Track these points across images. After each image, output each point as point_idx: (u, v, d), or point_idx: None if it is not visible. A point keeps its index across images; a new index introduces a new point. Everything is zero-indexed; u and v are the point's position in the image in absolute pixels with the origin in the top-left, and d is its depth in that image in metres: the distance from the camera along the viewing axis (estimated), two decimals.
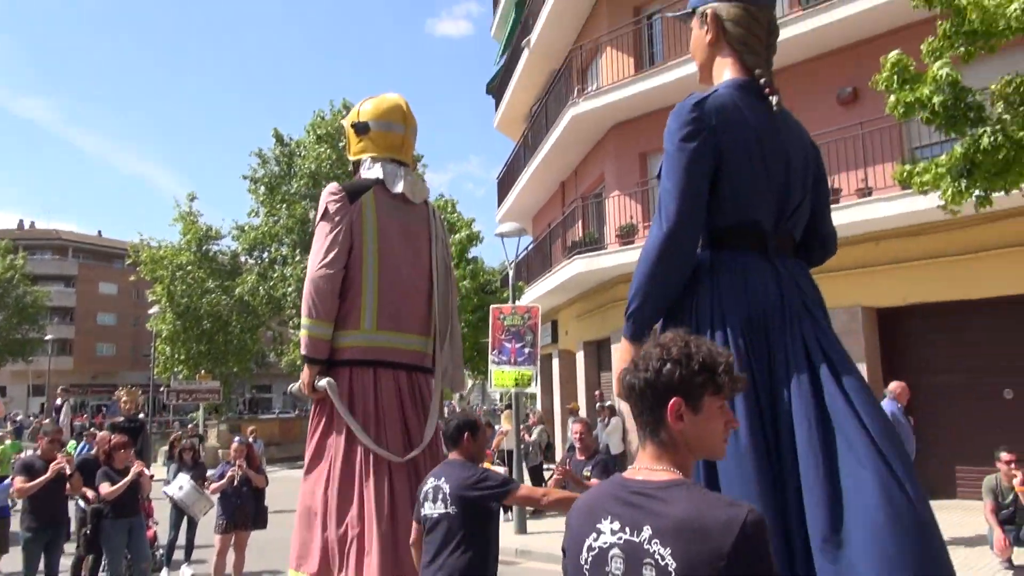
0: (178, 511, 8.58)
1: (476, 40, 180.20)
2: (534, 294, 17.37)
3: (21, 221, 64.41)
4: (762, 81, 2.40)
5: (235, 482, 7.73)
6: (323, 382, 3.74)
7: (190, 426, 21.43)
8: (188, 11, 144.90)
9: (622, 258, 13.51)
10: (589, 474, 5.84)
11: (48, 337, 42.09)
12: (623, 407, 14.28)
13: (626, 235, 13.94)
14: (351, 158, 4.27)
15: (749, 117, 2.31)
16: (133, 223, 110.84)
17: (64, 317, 56.82)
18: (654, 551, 1.54)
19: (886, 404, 8.17)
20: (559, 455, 15.97)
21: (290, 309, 27.90)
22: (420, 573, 3.67)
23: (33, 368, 45.54)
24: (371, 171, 4.06)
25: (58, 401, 11.89)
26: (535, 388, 10.75)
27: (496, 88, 25.09)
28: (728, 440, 1.72)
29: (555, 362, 19.84)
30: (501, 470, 10.58)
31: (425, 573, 3.66)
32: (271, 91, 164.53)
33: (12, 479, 6.86)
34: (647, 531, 1.56)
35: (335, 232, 3.83)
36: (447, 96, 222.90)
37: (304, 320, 3.81)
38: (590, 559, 1.64)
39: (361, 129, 4.15)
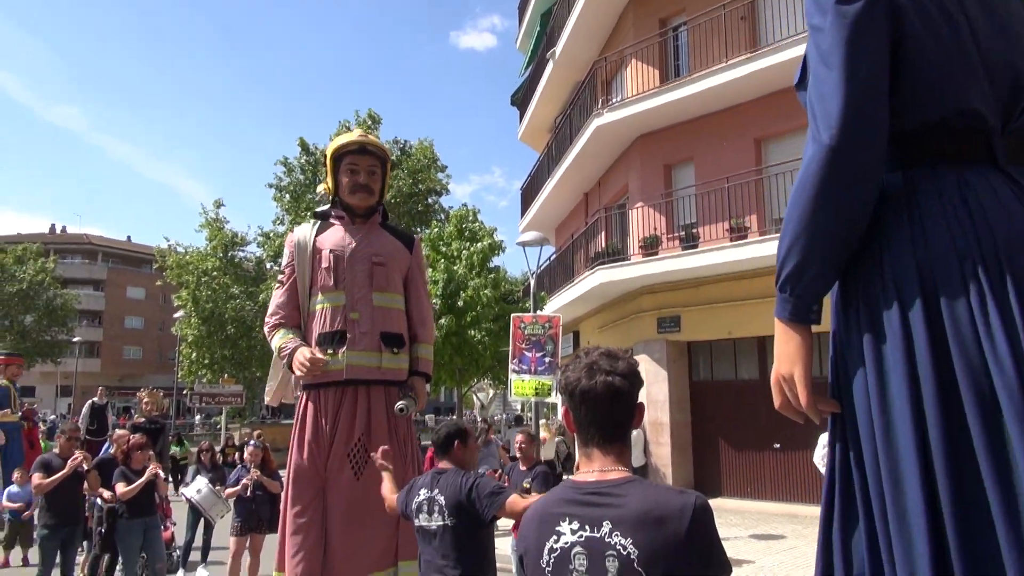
0: (195, 513, 8.62)
1: (500, 52, 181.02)
2: (556, 304, 17.30)
3: (53, 225, 65.64)
4: None
5: (248, 491, 7.75)
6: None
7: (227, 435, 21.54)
8: (217, 22, 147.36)
9: (645, 269, 13.41)
10: (529, 485, 5.98)
11: (76, 339, 42.71)
12: (645, 418, 14.16)
13: (649, 247, 13.84)
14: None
15: None
16: (160, 229, 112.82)
17: (93, 320, 57.69)
18: (615, 543, 1.65)
19: None
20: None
21: None
22: None
23: (61, 370, 46.24)
24: None
25: (96, 400, 12.00)
26: (555, 398, 10.66)
27: (521, 99, 25.14)
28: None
29: None
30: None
31: None
32: (297, 101, 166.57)
33: (31, 476, 6.92)
34: (607, 525, 1.67)
35: None
36: (471, 108, 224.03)
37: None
38: (552, 560, 1.72)
39: None
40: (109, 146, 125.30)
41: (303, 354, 4.60)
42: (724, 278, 12.96)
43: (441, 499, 3.62)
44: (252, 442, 8.51)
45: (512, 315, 10.99)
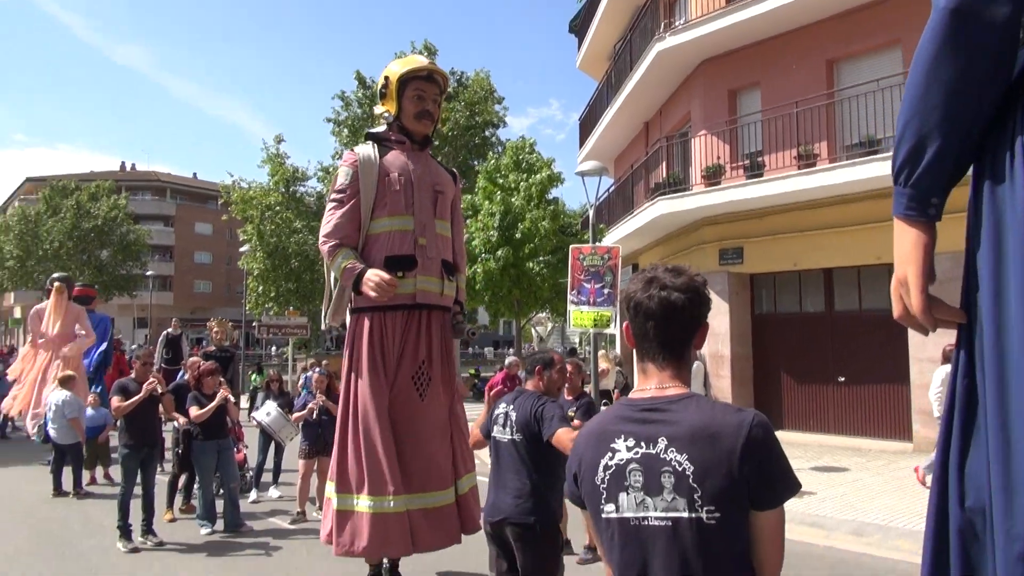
0: (266, 436, 8.97)
1: None
2: (615, 237, 17.07)
3: (123, 163, 67.75)
4: None
5: (315, 415, 8.00)
6: None
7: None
8: None
9: (707, 200, 13.06)
10: (573, 414, 6.07)
11: (149, 273, 44.36)
12: (705, 351, 14.02)
13: (712, 176, 13.44)
14: None
15: None
16: (224, 166, 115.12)
17: (164, 255, 59.74)
18: (671, 459, 1.65)
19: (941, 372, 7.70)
20: None
21: None
22: (489, 489, 3.95)
23: (137, 303, 48.28)
24: None
25: (171, 331, 12.50)
26: (614, 329, 10.61)
27: (579, 26, 24.35)
28: None
29: None
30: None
31: (492, 492, 3.91)
32: (354, 33, 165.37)
33: (110, 399, 7.27)
34: (662, 442, 1.67)
35: None
36: (528, 38, 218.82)
37: None
38: (607, 477, 1.73)
39: None
40: (173, 84, 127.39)
41: (378, 275, 4.58)
42: (790, 208, 12.54)
43: (514, 415, 3.87)
44: (318, 369, 8.76)
45: (571, 246, 10.87)
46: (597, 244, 11.24)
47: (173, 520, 7.96)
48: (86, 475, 9.66)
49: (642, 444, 1.69)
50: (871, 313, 12.41)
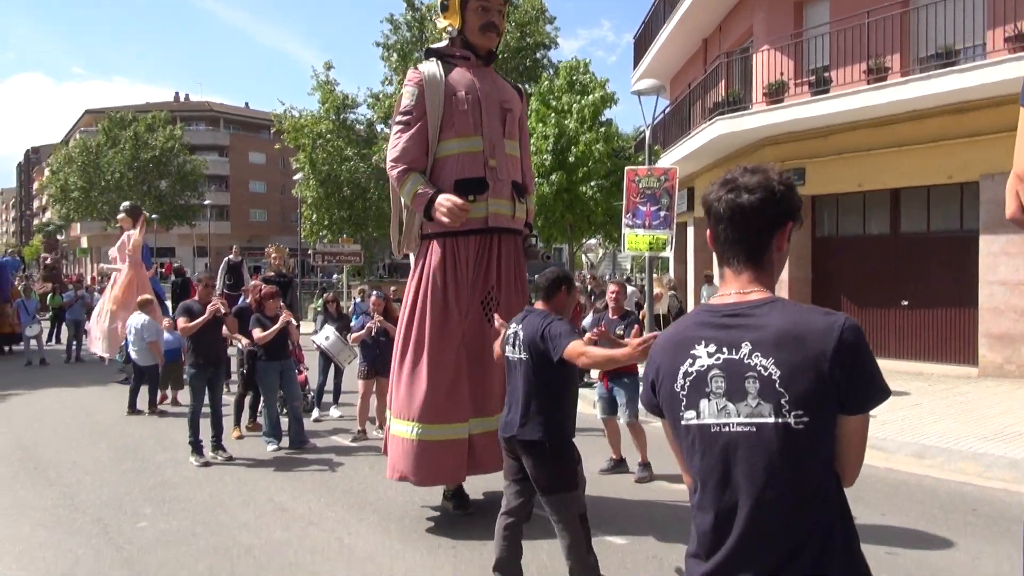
0: (325, 358, 9.17)
1: None
2: (670, 160, 16.63)
3: (176, 94, 68.37)
4: None
5: (373, 332, 8.11)
6: None
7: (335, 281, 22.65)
8: None
9: (769, 118, 12.55)
10: (622, 332, 6.13)
11: (207, 202, 45.26)
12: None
13: (774, 94, 12.86)
14: None
15: None
16: (275, 94, 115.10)
17: (220, 185, 60.77)
18: (756, 363, 1.57)
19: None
20: None
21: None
22: (504, 407, 3.99)
23: (196, 232, 49.48)
24: None
25: (232, 257, 12.79)
26: (669, 253, 10.43)
27: None
28: None
29: (690, 230, 19.24)
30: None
31: (505, 409, 3.98)
32: None
33: (175, 321, 7.49)
34: (746, 347, 1.59)
35: None
36: None
37: None
38: (687, 384, 1.67)
39: None
40: (220, 11, 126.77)
41: (449, 200, 4.46)
42: (857, 126, 11.97)
43: (522, 335, 3.83)
44: (376, 292, 8.85)
45: (627, 168, 10.61)
46: (653, 166, 10.94)
47: (241, 437, 8.28)
48: (159, 394, 10.06)
49: (724, 350, 1.62)
50: (940, 235, 11.93)
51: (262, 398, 8.07)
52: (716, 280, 14.15)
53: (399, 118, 4.79)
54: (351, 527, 5.28)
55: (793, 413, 1.53)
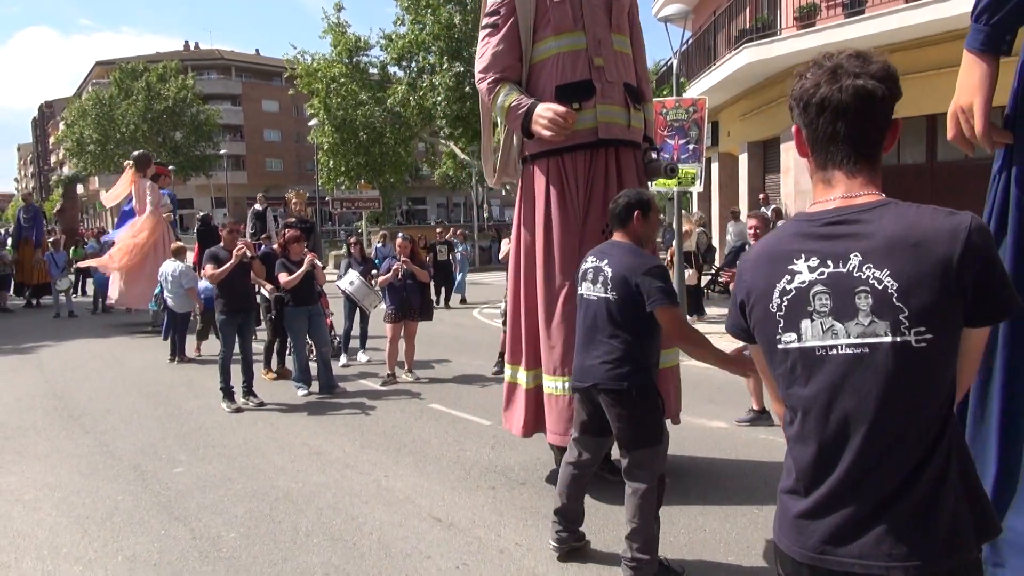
0: (351, 303, 9.07)
1: None
2: (693, 93, 16.14)
3: (187, 42, 67.45)
4: None
5: (400, 275, 7.97)
6: None
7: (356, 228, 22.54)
8: None
9: (799, 44, 12.03)
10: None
11: (223, 152, 45.04)
12: (790, 204, 13.41)
13: (806, 17, 12.32)
14: None
15: None
16: (285, 41, 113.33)
17: (235, 134, 60.38)
18: (867, 276, 1.40)
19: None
20: (719, 260, 15.48)
21: (440, 119, 27.94)
22: (576, 351, 3.52)
23: (213, 183, 49.41)
24: None
25: (257, 206, 12.65)
26: (699, 187, 10.13)
27: None
28: None
29: (715, 166, 18.82)
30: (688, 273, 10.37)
31: (580, 354, 3.51)
32: None
33: (203, 268, 7.39)
34: (855, 258, 1.41)
35: None
36: None
37: None
38: (785, 303, 1.49)
39: None
40: None
41: (550, 110, 3.73)
42: (894, 48, 11.41)
43: (609, 271, 3.35)
44: (401, 234, 8.68)
45: (653, 100, 10.24)
46: (681, 97, 10.56)
47: (275, 378, 8.28)
48: (193, 347, 10.05)
49: (828, 263, 1.44)
50: (979, 163, 11.47)
51: (290, 343, 8.01)
52: (743, 216, 13.85)
53: (485, 21, 4.07)
54: (388, 469, 5.23)
55: (914, 330, 1.35)
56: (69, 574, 3.76)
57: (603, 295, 3.34)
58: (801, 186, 13.14)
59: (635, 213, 3.42)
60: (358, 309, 9.13)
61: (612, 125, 3.95)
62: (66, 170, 46.48)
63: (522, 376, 4.54)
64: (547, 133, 3.72)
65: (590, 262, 3.48)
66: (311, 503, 4.61)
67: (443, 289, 15.45)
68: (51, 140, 73.29)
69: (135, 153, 12.92)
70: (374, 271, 9.12)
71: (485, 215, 49.84)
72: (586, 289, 3.46)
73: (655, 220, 3.55)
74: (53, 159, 76.19)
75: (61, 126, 51.74)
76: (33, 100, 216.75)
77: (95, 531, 4.28)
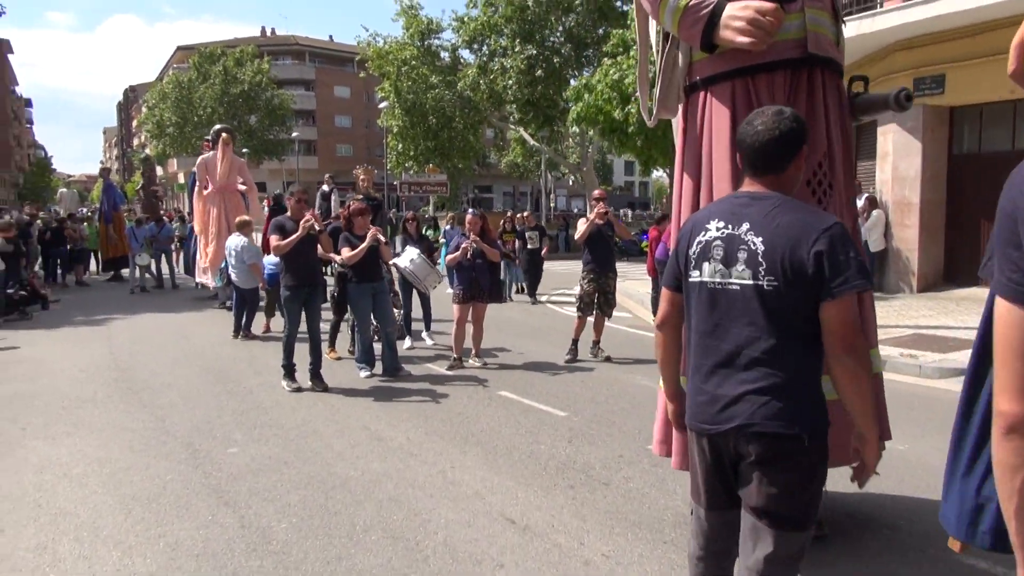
0: (407, 284, 8.58)
1: None
2: None
3: (263, 28, 68.70)
4: None
5: (469, 254, 7.50)
6: None
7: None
8: None
9: (902, 17, 10.99)
10: None
11: (295, 135, 45.61)
12: (888, 198, 12.43)
13: None
14: None
15: None
16: (357, 30, 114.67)
17: (307, 119, 61.19)
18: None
19: None
20: None
21: (511, 103, 27.48)
22: (693, 373, 2.23)
23: (285, 167, 50.14)
24: None
25: (325, 187, 12.40)
26: None
27: None
28: None
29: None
30: None
31: (705, 377, 2.17)
32: None
33: (266, 239, 7.03)
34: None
35: None
36: None
37: None
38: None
39: None
40: None
41: (750, 7, 2.68)
42: (1013, 21, 10.37)
43: (756, 242, 2.06)
44: (471, 210, 8.19)
45: None
46: None
47: (337, 358, 7.98)
48: (262, 323, 9.85)
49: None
50: None
51: (353, 322, 7.63)
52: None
53: None
54: (454, 460, 4.77)
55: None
56: (106, 560, 3.41)
57: (748, 282, 2.07)
58: (900, 172, 12.14)
59: (799, 149, 2.16)
60: (414, 290, 8.61)
61: (821, 37, 2.90)
62: (147, 152, 47.82)
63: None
64: (743, 39, 2.69)
65: (712, 230, 2.17)
66: (370, 494, 4.18)
67: (529, 280, 13.81)
68: (134, 123, 75.83)
69: (224, 126, 12.78)
70: (436, 247, 8.64)
71: (552, 204, 49.22)
72: (708, 272, 2.16)
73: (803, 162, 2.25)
74: (136, 142, 78.81)
75: (143, 109, 53.35)
76: (119, 85, 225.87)
77: (139, 512, 3.95)
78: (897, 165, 12.22)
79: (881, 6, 11.86)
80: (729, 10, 2.76)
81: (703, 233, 2.20)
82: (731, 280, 2.10)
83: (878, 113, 3.32)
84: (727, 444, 2.13)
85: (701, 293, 2.18)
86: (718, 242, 2.14)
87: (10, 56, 69.03)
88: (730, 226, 2.13)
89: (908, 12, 11.02)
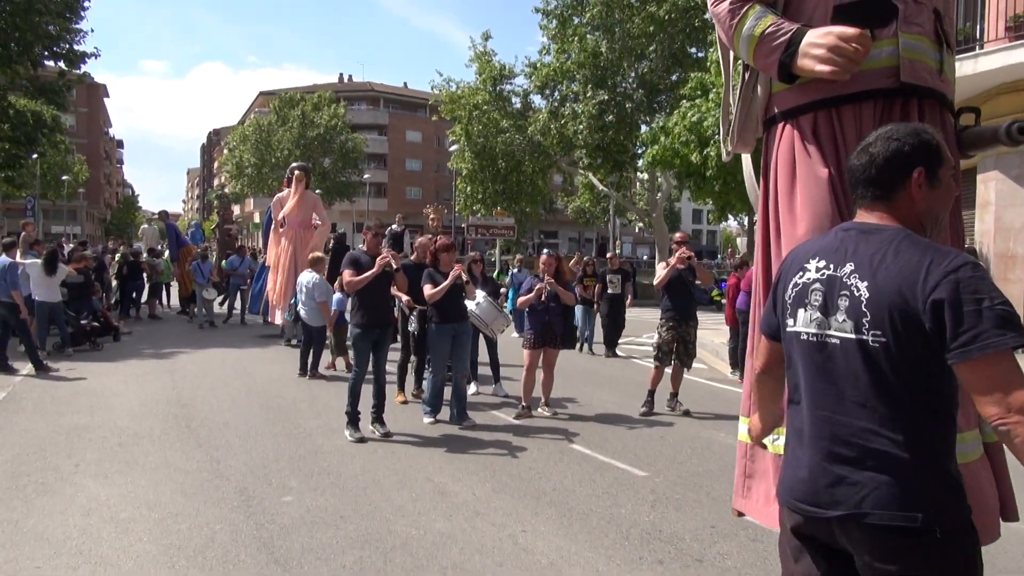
0: (472, 328, 8.10)
1: None
2: None
3: (341, 75, 71.10)
4: None
5: (543, 296, 7.11)
6: None
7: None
8: None
9: (1008, 58, 10.35)
10: None
11: (366, 177, 46.57)
12: (990, 251, 11.56)
13: (1019, 27, 10.63)
14: None
15: None
16: (432, 76, 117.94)
17: (379, 163, 62.55)
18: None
19: None
20: None
21: (580, 148, 27.33)
22: (790, 445, 1.87)
23: (355, 208, 51.13)
24: None
25: (395, 227, 12.26)
26: None
27: None
28: None
29: None
30: None
31: (801, 451, 1.79)
32: None
33: (341, 273, 6.75)
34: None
35: None
36: None
37: None
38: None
39: None
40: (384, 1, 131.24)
41: (832, 34, 2.39)
42: None
43: (860, 287, 1.68)
44: (546, 251, 7.80)
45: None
46: None
47: (405, 402, 7.64)
48: (327, 361, 9.65)
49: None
50: None
51: (428, 364, 7.25)
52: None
53: None
54: (525, 522, 4.31)
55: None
56: None
57: (850, 335, 1.69)
58: (1004, 222, 11.29)
59: (915, 173, 1.75)
60: (481, 334, 8.20)
61: (918, 65, 2.54)
62: (227, 190, 49.57)
63: (770, 436, 2.73)
64: (824, 68, 2.40)
65: (811, 271, 1.82)
66: (433, 558, 3.76)
67: (609, 330, 12.35)
68: (215, 164, 78.94)
69: (300, 164, 12.78)
70: (502, 290, 8.27)
71: (617, 251, 48.71)
72: (804, 323, 1.80)
73: (949, 187, 1.82)
74: (216, 182, 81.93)
75: (224, 151, 55.45)
76: (203, 128, 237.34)
77: (183, 566, 3.61)
78: (1000, 215, 11.37)
79: (982, 47, 11.20)
80: (809, 37, 2.46)
81: (800, 274, 1.84)
82: (830, 332, 1.73)
83: (987, 148, 2.81)
84: (828, 533, 1.72)
85: (797, 346, 1.82)
86: (817, 285, 1.78)
87: (106, 100, 73.17)
88: (832, 266, 1.77)
89: (1013, 54, 10.35)
